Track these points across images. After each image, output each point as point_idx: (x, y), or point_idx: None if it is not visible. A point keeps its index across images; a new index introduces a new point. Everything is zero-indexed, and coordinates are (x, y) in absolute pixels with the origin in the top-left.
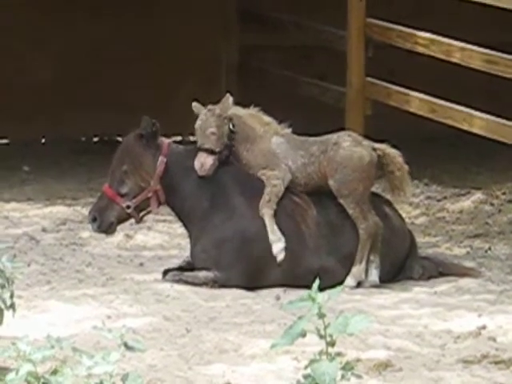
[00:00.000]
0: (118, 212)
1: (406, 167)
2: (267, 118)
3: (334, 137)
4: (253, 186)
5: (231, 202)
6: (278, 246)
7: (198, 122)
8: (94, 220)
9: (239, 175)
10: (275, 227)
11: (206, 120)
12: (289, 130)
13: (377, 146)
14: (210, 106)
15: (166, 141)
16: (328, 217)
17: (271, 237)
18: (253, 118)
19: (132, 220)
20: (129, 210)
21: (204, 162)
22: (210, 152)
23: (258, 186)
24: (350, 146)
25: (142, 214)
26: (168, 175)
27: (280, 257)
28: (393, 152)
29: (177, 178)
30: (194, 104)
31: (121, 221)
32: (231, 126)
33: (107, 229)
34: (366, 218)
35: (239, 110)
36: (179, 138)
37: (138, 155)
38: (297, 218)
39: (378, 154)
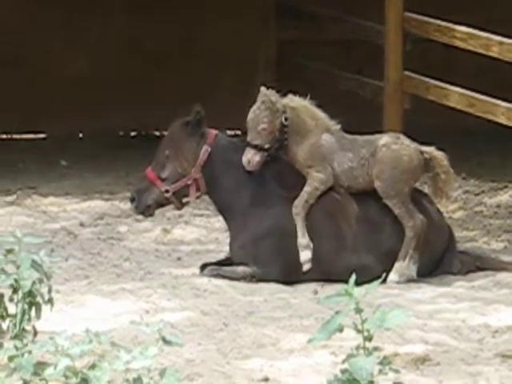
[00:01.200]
0: (157, 195)
1: (452, 171)
2: (320, 113)
3: (383, 138)
4: (294, 182)
5: (271, 198)
6: (305, 255)
7: (251, 115)
8: (132, 200)
9: (282, 171)
10: (306, 232)
11: (259, 114)
12: (338, 127)
13: (424, 148)
14: (262, 98)
15: (213, 131)
16: (367, 214)
17: (301, 240)
18: (307, 110)
19: (169, 214)
20: (167, 195)
21: (252, 159)
22: (259, 149)
23: (299, 183)
24: (399, 149)
25: (184, 200)
26: (211, 165)
27: (306, 266)
28: (440, 155)
29: (219, 170)
30: (263, 89)
31: (159, 205)
32: (283, 120)
33: (144, 211)
34: (413, 216)
35: (294, 101)
36: None
37: (181, 141)
38: (337, 215)
39: (424, 157)
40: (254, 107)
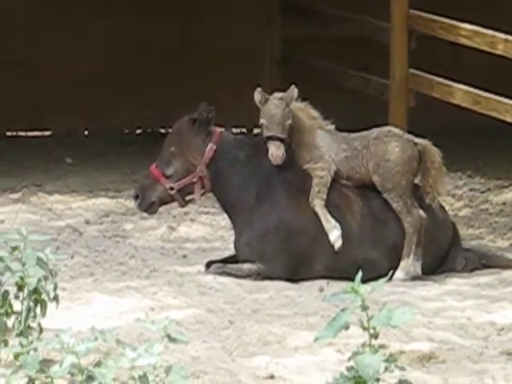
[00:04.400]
0: (161, 192)
1: (444, 169)
2: (314, 112)
3: (374, 131)
4: (298, 179)
5: (276, 195)
6: (334, 234)
7: (275, 111)
8: (136, 197)
9: (286, 168)
10: (329, 216)
11: (284, 109)
12: (332, 127)
13: (418, 140)
14: (278, 95)
15: (218, 129)
16: (372, 209)
17: (326, 225)
18: (301, 111)
19: (175, 212)
20: (172, 192)
21: (278, 153)
22: (282, 141)
23: (303, 179)
24: (391, 140)
25: (187, 198)
26: (216, 163)
27: (338, 244)
28: (433, 150)
29: (224, 168)
30: (258, 90)
31: (163, 202)
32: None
33: (148, 208)
34: (411, 211)
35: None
36: None
37: (187, 138)
38: (343, 209)
39: (418, 149)
40: (274, 103)
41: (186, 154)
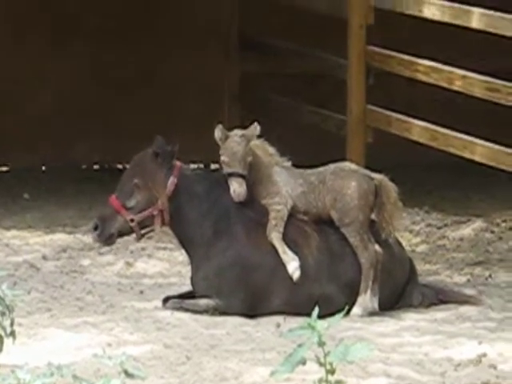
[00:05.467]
0: (121, 224)
1: (400, 204)
2: (271, 149)
3: (331, 167)
4: (256, 213)
5: (233, 230)
6: (292, 265)
7: (237, 148)
8: (95, 228)
9: (243, 203)
10: (286, 248)
11: (245, 146)
12: (289, 163)
13: (374, 175)
14: (239, 132)
15: (177, 163)
16: (329, 244)
17: (284, 257)
18: (259, 148)
19: (132, 247)
20: (132, 224)
21: (240, 189)
22: (243, 178)
23: (261, 213)
24: (347, 175)
25: (143, 231)
26: (176, 197)
27: (296, 275)
28: (389, 185)
29: (183, 201)
30: (219, 127)
31: (121, 234)
32: None
33: (107, 239)
34: (367, 247)
35: None
36: None
37: (152, 172)
38: (300, 244)
39: (374, 184)
40: (235, 140)
41: (149, 187)
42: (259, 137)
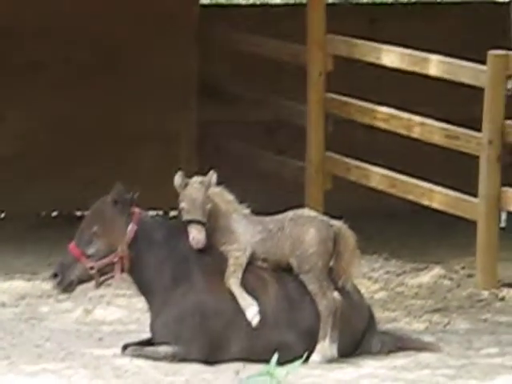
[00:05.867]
0: (81, 272)
1: (358, 252)
2: (229, 197)
3: (289, 214)
4: (215, 260)
5: (192, 277)
6: (251, 311)
7: (196, 194)
8: (55, 276)
9: (202, 250)
10: (244, 294)
11: (204, 193)
12: (248, 210)
13: (333, 222)
14: (198, 178)
15: (137, 209)
16: (288, 291)
17: (242, 303)
18: (217, 195)
19: (91, 294)
20: (92, 271)
21: (199, 236)
22: (203, 224)
23: (220, 260)
24: (305, 222)
25: (102, 278)
26: (135, 244)
27: (255, 320)
28: (348, 233)
29: (143, 248)
30: (179, 174)
31: (81, 281)
32: None
33: (67, 287)
34: (326, 294)
35: None
36: None
37: (111, 219)
38: (258, 291)
39: (333, 230)
40: (194, 187)
41: (109, 235)
42: (218, 184)
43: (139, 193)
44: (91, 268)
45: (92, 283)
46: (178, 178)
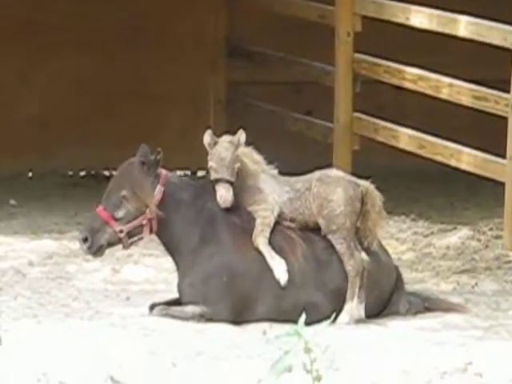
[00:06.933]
0: (110, 235)
1: (384, 213)
2: (257, 157)
3: (316, 174)
4: (243, 220)
5: (220, 237)
6: (279, 270)
7: (225, 153)
8: (84, 240)
9: (230, 210)
10: (273, 253)
11: (233, 152)
12: (275, 171)
13: (360, 182)
14: (227, 138)
15: (163, 170)
16: (315, 252)
17: (271, 262)
18: (245, 155)
19: (118, 254)
20: (121, 235)
21: (227, 195)
22: (231, 184)
23: (247, 220)
24: (333, 181)
25: (131, 240)
26: (164, 205)
27: (283, 279)
28: (375, 193)
29: (171, 209)
30: (209, 132)
31: (110, 244)
32: None
33: (97, 251)
34: (353, 254)
35: None
36: None
37: (139, 182)
38: (286, 251)
39: (361, 190)
40: (223, 146)
41: (137, 197)
42: (246, 144)
43: (166, 153)
44: (120, 231)
45: (120, 245)
46: (207, 137)
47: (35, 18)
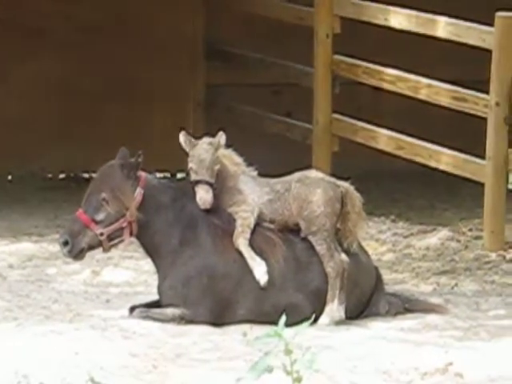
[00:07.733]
0: (90, 238)
1: (364, 214)
2: (237, 159)
3: (296, 175)
4: (223, 222)
5: (200, 239)
6: (259, 270)
7: (204, 155)
8: (65, 244)
9: (210, 211)
10: (253, 253)
11: (213, 154)
12: (255, 173)
13: (340, 183)
14: (207, 139)
15: (143, 173)
16: (295, 253)
17: (251, 262)
18: (225, 157)
19: (98, 256)
20: (102, 238)
21: (207, 196)
22: (210, 185)
23: (227, 222)
24: (312, 182)
25: (111, 243)
26: (143, 207)
27: (263, 280)
28: (354, 194)
29: (150, 211)
30: (183, 133)
31: (91, 247)
32: None
33: (77, 254)
34: (333, 255)
35: None
36: None
37: (119, 184)
38: (266, 252)
39: (340, 191)
40: (203, 148)
41: (117, 200)
42: (227, 146)
43: (145, 155)
44: (101, 234)
45: (100, 248)
46: (182, 137)
47: (13, 19)
